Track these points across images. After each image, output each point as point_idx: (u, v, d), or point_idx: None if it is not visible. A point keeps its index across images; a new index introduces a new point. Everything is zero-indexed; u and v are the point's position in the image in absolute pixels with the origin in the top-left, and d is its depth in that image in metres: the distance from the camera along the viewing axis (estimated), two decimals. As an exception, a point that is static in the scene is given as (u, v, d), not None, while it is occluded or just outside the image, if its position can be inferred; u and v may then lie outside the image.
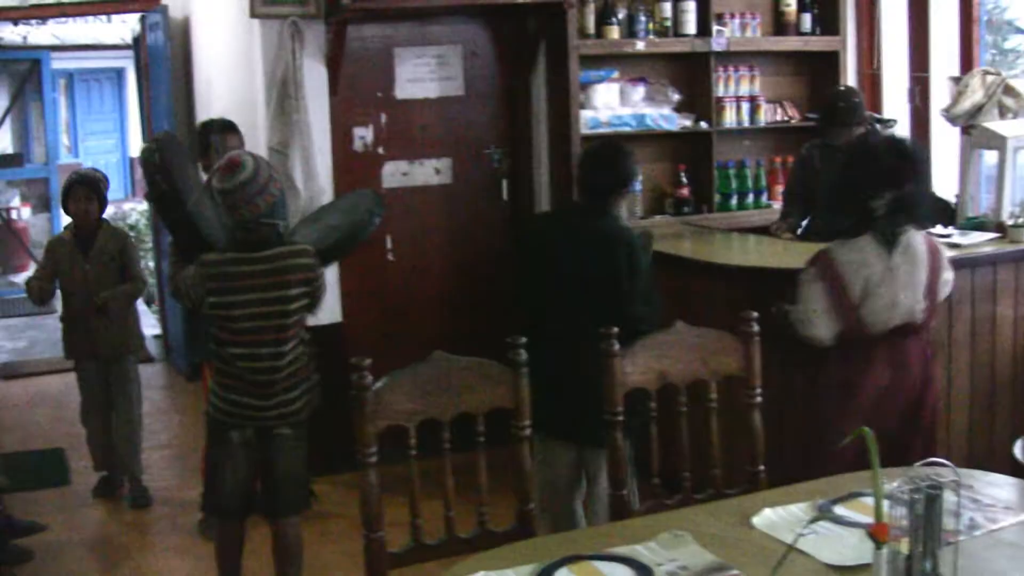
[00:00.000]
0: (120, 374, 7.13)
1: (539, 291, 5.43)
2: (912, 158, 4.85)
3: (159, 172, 5.33)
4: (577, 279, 5.25)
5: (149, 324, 12.62)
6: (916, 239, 4.86)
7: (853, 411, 4.81)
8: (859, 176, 4.84)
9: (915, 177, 4.82)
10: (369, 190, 6.42)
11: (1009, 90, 6.73)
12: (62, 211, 7.16)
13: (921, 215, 4.90)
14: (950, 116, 6.86)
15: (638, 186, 7.74)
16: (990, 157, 6.88)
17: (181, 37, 9.99)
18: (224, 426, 5.09)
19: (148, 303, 13.87)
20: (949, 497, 2.76)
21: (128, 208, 19.45)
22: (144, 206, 14.88)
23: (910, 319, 4.85)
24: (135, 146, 21.55)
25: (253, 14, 6.95)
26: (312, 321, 6.12)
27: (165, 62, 9.75)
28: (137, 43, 11.04)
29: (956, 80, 6.98)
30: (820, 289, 4.83)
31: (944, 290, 5.04)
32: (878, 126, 6.93)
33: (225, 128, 6.54)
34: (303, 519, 5.34)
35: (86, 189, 6.99)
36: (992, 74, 6.77)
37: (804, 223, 7.08)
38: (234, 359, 4.98)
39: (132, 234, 15.90)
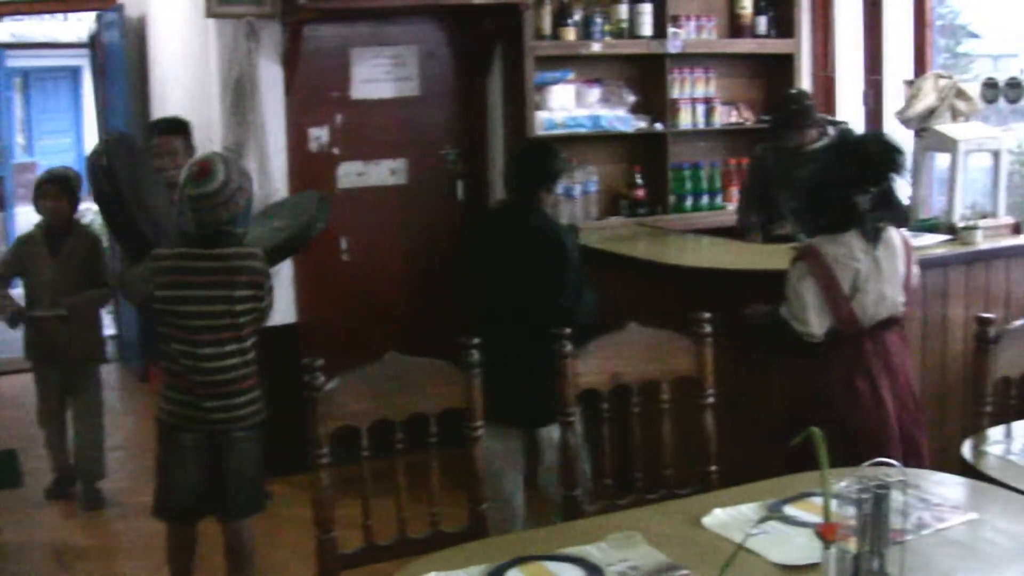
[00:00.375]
0: (82, 381, 7.06)
1: (477, 286, 5.63)
2: (899, 151, 4.91)
3: (104, 175, 5.33)
4: (509, 273, 5.42)
5: (104, 325, 12.57)
6: (892, 233, 4.97)
7: (857, 412, 4.88)
8: (846, 171, 4.87)
9: (897, 174, 4.90)
10: (316, 193, 6.39)
11: (961, 94, 6.77)
12: (34, 209, 7.03)
13: (900, 210, 5.00)
14: (903, 119, 6.90)
15: (593, 187, 7.77)
16: (942, 160, 6.94)
17: (137, 36, 9.95)
18: (173, 429, 5.06)
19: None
20: (896, 496, 2.79)
21: (83, 208, 19.34)
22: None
23: (893, 312, 4.95)
24: (91, 145, 21.48)
25: (209, 14, 6.93)
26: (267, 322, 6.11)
27: (121, 61, 9.71)
28: (93, 42, 10.98)
29: (909, 83, 7.03)
30: (811, 284, 4.88)
31: (915, 283, 5.14)
32: (831, 128, 6.95)
33: (167, 130, 6.52)
34: (256, 520, 5.31)
35: (56, 187, 6.91)
36: (944, 78, 6.81)
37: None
38: (178, 356, 4.94)
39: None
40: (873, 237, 4.89)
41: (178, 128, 6.55)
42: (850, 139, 5.20)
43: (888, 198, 4.93)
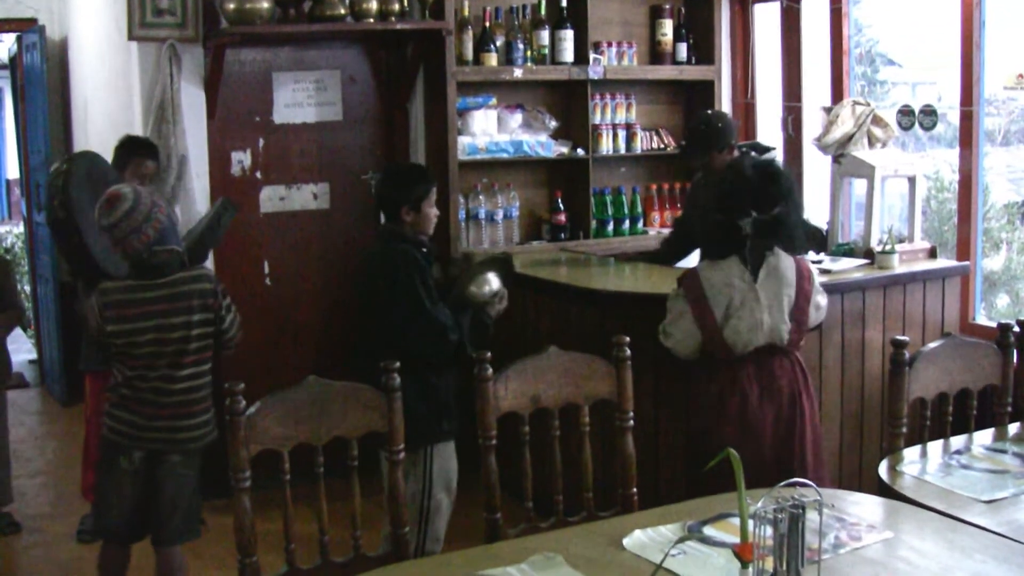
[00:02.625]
0: None
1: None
2: (778, 181, 4.90)
3: (58, 197, 5.31)
4: (359, 300, 5.59)
5: (25, 349, 12.47)
6: (785, 262, 4.92)
7: (724, 427, 4.89)
8: (726, 196, 4.91)
9: (784, 201, 4.89)
10: (222, 197, 6.44)
11: (878, 120, 6.86)
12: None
13: (790, 239, 4.96)
14: (821, 145, 6.97)
15: (515, 212, 7.80)
16: (859, 186, 7.02)
17: (58, 58, 9.90)
18: (115, 447, 5.01)
19: (24, 328, 13.67)
20: (812, 516, 2.83)
21: (3, 231, 19.15)
22: (20, 229, 14.64)
23: (775, 340, 4.92)
24: (12, 167, 21.25)
25: (131, 36, 6.90)
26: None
27: (42, 83, 9.65)
28: (13, 63, 10.90)
29: (827, 110, 7.10)
30: (683, 306, 4.93)
31: (816, 314, 5.09)
32: (753, 152, 6.96)
33: (143, 151, 6.49)
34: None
35: None
36: (862, 105, 6.89)
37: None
38: (132, 379, 4.90)
39: (8, 258, 15.69)
40: (755, 263, 4.92)
41: (151, 150, 6.52)
42: (734, 166, 5.21)
43: (778, 224, 4.92)
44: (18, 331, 13.74)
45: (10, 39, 11.12)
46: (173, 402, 4.92)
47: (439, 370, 5.29)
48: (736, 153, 6.69)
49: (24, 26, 9.97)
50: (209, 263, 7.06)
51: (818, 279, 5.15)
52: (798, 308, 4.94)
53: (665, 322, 5.06)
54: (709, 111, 7.72)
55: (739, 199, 4.86)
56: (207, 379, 5.04)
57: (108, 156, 6.38)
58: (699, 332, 4.91)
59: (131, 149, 6.46)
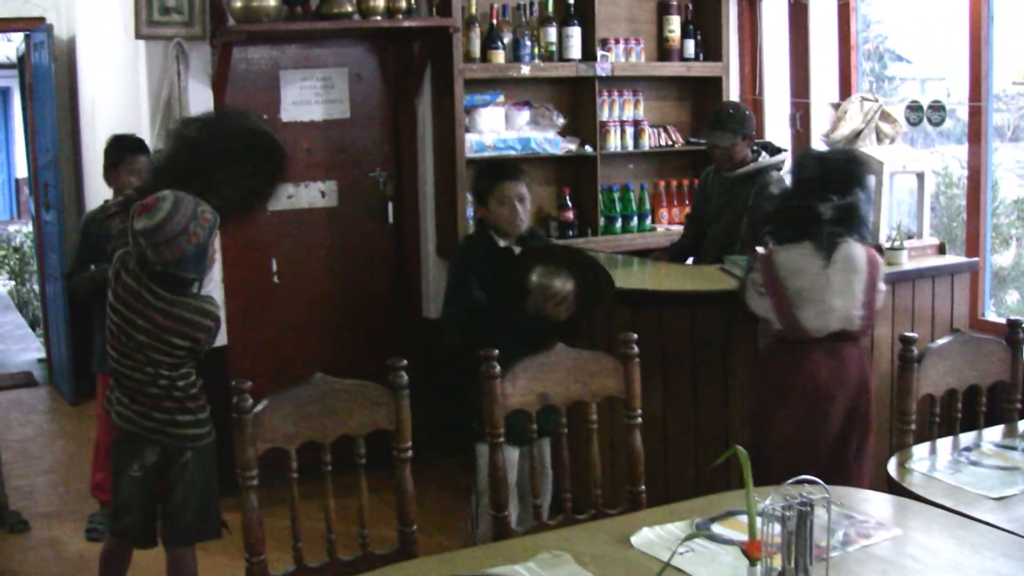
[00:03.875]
0: None
1: None
2: (863, 168, 5.04)
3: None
4: None
5: (34, 348, 12.49)
6: (856, 250, 5.08)
7: (789, 410, 4.97)
8: (808, 181, 4.97)
9: (862, 189, 4.99)
10: None
11: (886, 116, 6.85)
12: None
13: (863, 227, 5.07)
14: (829, 141, 6.96)
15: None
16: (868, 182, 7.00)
17: (66, 57, 9.90)
18: (127, 440, 5.00)
19: (32, 327, 13.70)
20: (821, 514, 2.82)
21: (13, 230, 19.18)
22: (29, 228, 14.63)
23: (847, 326, 5.07)
24: (20, 166, 21.31)
25: (138, 35, 6.90)
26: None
27: (50, 81, 9.65)
28: (22, 62, 10.90)
29: (835, 106, 7.09)
30: (759, 287, 5.12)
31: (880, 300, 5.26)
32: (764, 153, 6.95)
33: (134, 148, 6.48)
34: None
35: None
36: (870, 100, 6.88)
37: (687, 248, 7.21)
38: (112, 360, 4.90)
39: (16, 256, 15.72)
40: (828, 248, 4.98)
41: (141, 146, 6.52)
42: (814, 152, 5.29)
43: (854, 211, 5.03)
44: (27, 330, 13.81)
45: (18, 38, 11.11)
46: (155, 393, 4.84)
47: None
48: (752, 148, 6.76)
49: (32, 25, 9.97)
50: (217, 263, 7.07)
51: (883, 267, 5.34)
52: (867, 295, 5.10)
53: (745, 296, 5.24)
54: (733, 101, 7.75)
55: (822, 184, 4.95)
56: (191, 379, 4.92)
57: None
58: (774, 314, 5.06)
59: (122, 147, 6.47)
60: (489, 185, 5.37)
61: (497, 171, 5.50)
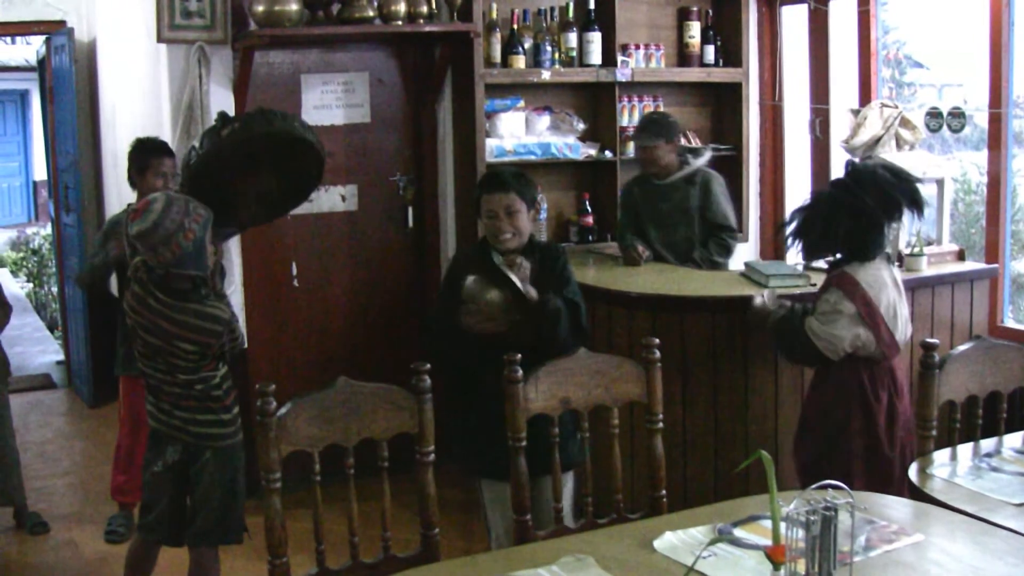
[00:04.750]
0: None
1: None
2: (911, 180, 5.16)
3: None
4: None
5: (52, 350, 12.53)
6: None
7: (873, 422, 5.02)
8: (885, 196, 4.99)
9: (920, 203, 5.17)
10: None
11: (905, 123, 6.84)
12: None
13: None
14: (849, 148, 6.96)
15: (543, 214, 7.80)
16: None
17: (87, 60, 9.93)
18: (153, 437, 5.05)
19: (51, 329, 13.75)
20: (844, 519, 2.83)
21: (32, 232, 19.25)
22: (48, 230, 14.68)
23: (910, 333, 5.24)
24: (40, 169, 21.36)
25: (160, 38, 6.93)
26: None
27: (70, 84, 9.67)
28: (42, 65, 10.94)
29: (855, 112, 7.09)
30: (845, 307, 5.03)
31: None
32: (691, 157, 7.16)
33: (162, 151, 6.50)
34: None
35: None
36: (889, 107, 6.88)
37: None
38: (137, 357, 4.99)
39: (35, 259, 15.78)
40: (890, 261, 5.18)
41: (167, 149, 6.54)
42: (876, 172, 5.21)
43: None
44: (45, 332, 13.86)
45: (38, 41, 11.16)
46: (175, 392, 4.91)
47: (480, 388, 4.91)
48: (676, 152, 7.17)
49: (52, 28, 10.01)
50: (237, 266, 7.09)
51: None
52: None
53: (825, 328, 5.07)
54: (660, 111, 7.90)
55: (895, 203, 4.99)
56: (213, 381, 4.96)
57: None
58: (869, 332, 5.03)
59: (147, 150, 6.48)
60: (476, 197, 5.09)
61: (483, 182, 5.17)
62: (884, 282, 5.05)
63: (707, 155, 7.33)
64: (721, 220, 7.13)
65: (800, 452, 5.31)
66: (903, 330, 5.13)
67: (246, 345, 6.97)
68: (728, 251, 7.20)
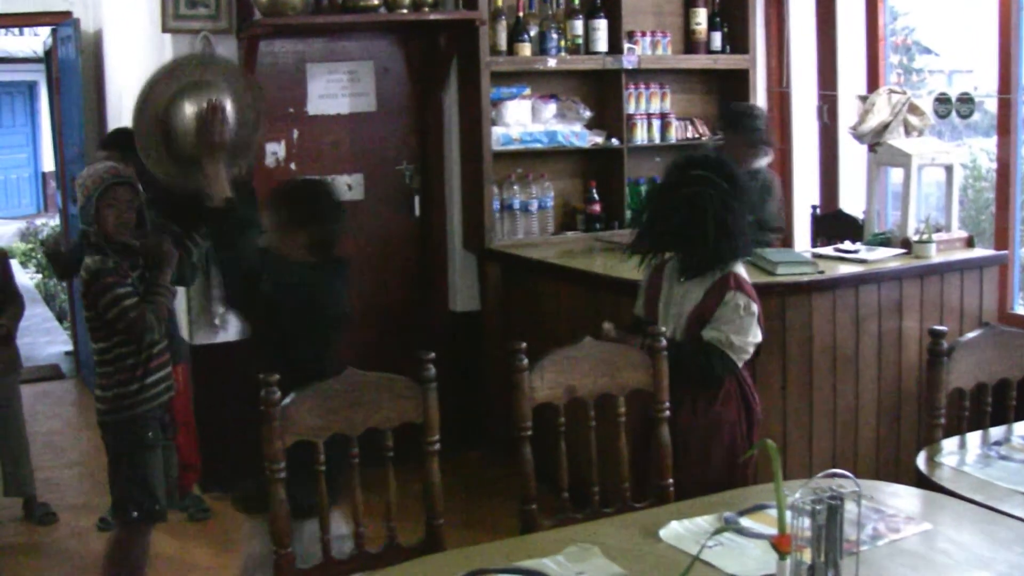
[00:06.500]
0: (6, 392, 6.96)
1: None
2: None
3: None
4: None
5: (60, 340, 12.53)
6: None
7: (755, 423, 4.89)
8: (746, 193, 4.81)
9: None
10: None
11: (914, 109, 6.81)
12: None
13: None
14: (857, 134, 6.93)
15: (549, 202, 7.79)
16: (896, 174, 6.98)
17: (93, 50, 9.92)
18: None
19: (60, 319, 13.75)
20: (851, 508, 2.81)
21: (40, 223, 19.26)
22: (56, 221, 14.68)
23: None
24: (47, 161, 21.39)
25: (165, 28, 6.91)
26: (221, 338, 6.20)
27: (76, 75, 9.67)
28: (49, 56, 10.94)
29: (863, 99, 7.06)
30: (755, 311, 4.69)
31: None
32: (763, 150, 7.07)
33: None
34: (208, 533, 5.32)
35: None
36: (897, 93, 6.85)
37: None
38: None
39: (43, 250, 15.80)
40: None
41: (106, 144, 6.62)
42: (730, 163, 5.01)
43: None
44: (54, 323, 13.86)
45: (45, 32, 11.16)
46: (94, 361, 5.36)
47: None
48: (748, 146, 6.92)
49: (58, 19, 10.00)
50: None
51: None
52: None
53: (737, 336, 4.64)
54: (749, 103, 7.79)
55: (750, 197, 4.85)
56: (107, 355, 5.26)
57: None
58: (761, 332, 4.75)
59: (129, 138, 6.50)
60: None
61: None
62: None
63: (769, 156, 7.12)
64: (772, 221, 7.04)
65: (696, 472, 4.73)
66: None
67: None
68: (767, 248, 7.10)
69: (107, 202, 5.14)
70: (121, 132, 6.68)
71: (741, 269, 4.76)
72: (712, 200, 4.59)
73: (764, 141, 6.94)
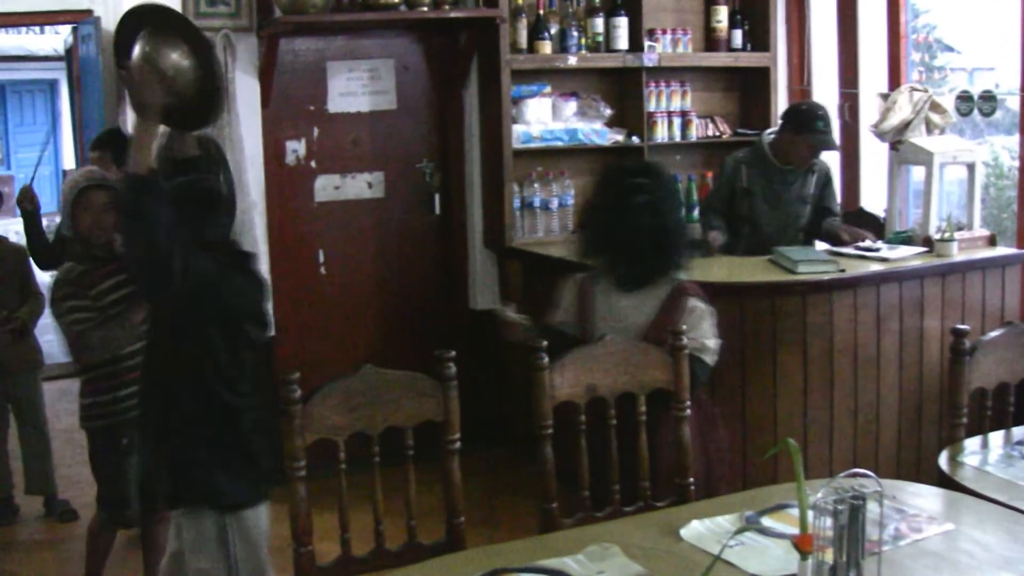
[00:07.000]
0: (28, 389, 7.01)
1: None
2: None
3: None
4: None
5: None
6: None
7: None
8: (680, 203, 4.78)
9: None
10: None
11: (935, 107, 6.79)
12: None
13: None
14: (878, 132, 6.92)
15: (569, 200, 7.77)
16: (917, 172, 6.97)
17: (113, 49, 9.92)
18: None
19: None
20: (873, 507, 2.80)
21: (60, 220, 19.26)
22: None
23: None
24: (68, 158, 21.42)
25: (185, 27, 6.93)
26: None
27: (97, 74, 9.67)
28: (69, 55, 10.95)
29: (884, 97, 7.04)
30: (713, 312, 4.74)
31: None
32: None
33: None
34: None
35: None
36: (919, 91, 6.83)
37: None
38: None
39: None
40: None
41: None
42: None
43: None
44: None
45: (66, 31, 11.18)
46: None
47: None
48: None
49: (79, 17, 10.00)
50: (263, 252, 7.09)
51: None
52: None
53: (712, 341, 4.66)
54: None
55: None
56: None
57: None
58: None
59: (121, 138, 6.52)
60: None
61: None
62: None
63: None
64: (835, 209, 7.08)
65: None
66: None
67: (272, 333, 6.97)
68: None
69: (82, 205, 5.23)
70: (114, 132, 6.71)
71: (684, 274, 4.78)
72: (657, 211, 4.65)
73: (828, 145, 6.94)
